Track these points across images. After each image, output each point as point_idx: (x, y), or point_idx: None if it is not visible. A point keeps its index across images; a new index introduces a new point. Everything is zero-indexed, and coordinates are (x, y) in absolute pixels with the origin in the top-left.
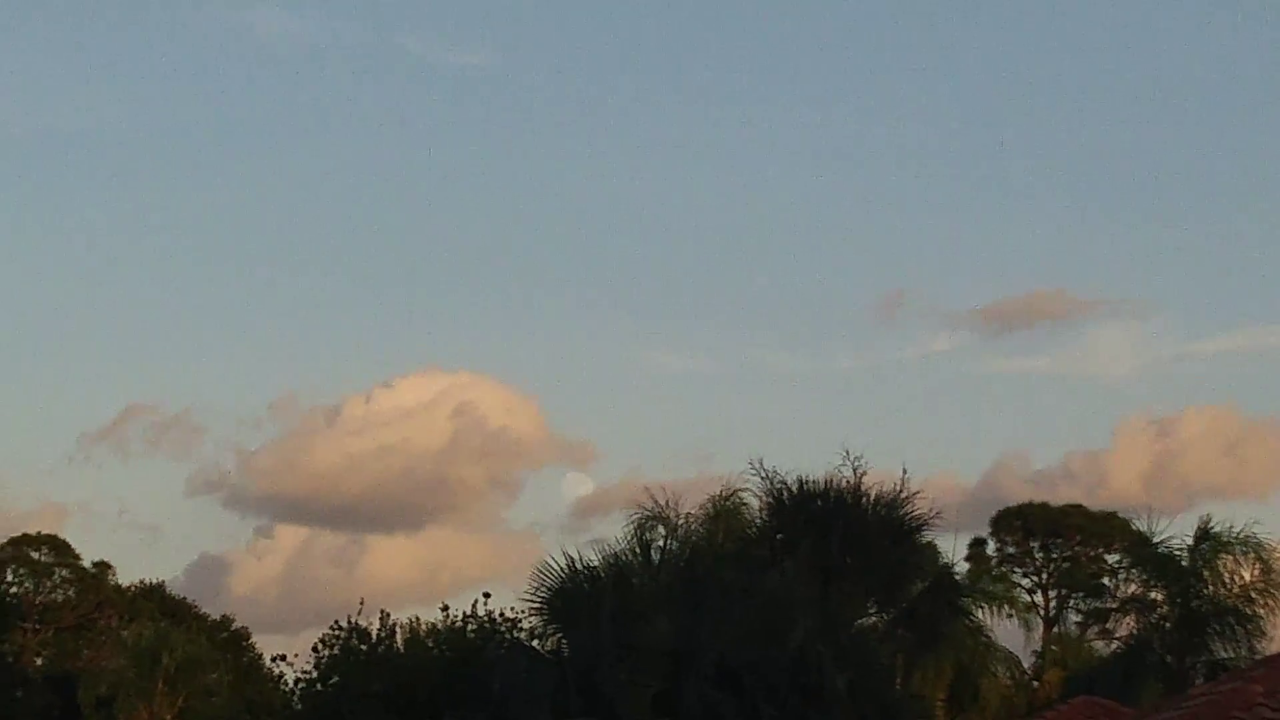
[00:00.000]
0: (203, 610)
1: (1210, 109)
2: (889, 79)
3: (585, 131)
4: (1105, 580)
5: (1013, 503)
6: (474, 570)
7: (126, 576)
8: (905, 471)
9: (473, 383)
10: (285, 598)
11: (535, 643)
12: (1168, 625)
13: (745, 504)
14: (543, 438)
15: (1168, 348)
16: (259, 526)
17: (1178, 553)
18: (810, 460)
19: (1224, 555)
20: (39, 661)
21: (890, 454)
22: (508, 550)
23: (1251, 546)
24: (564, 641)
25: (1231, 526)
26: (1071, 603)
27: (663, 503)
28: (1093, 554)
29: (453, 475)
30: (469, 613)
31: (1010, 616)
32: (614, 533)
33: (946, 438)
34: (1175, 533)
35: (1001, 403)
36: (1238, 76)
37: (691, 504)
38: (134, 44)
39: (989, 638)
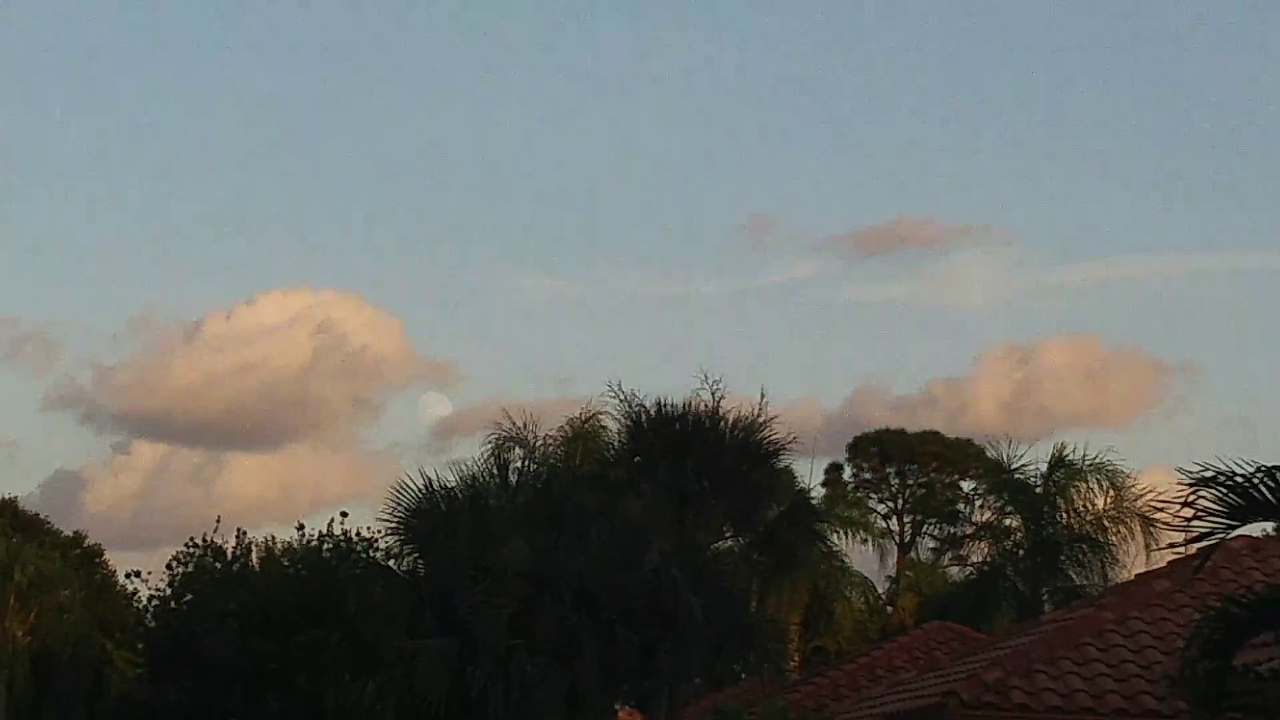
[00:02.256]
0: (55, 526)
1: (1075, 37)
2: (751, 1)
3: (451, 52)
4: (960, 507)
5: (875, 429)
6: (333, 490)
7: None
8: (764, 396)
9: (336, 301)
10: (142, 515)
11: (391, 563)
12: (1021, 552)
13: (604, 427)
14: (405, 358)
15: (1030, 276)
16: (116, 443)
17: (1032, 480)
18: (673, 385)
19: (1078, 483)
20: None
21: (753, 379)
22: (367, 470)
23: (1105, 474)
24: (420, 562)
25: (1085, 455)
26: (926, 529)
27: (521, 425)
28: (948, 481)
29: (314, 394)
30: (325, 532)
31: (865, 542)
32: (475, 454)
33: (809, 364)
34: (1034, 460)
35: (864, 329)
36: (1098, 5)
37: (551, 426)
38: None
39: (844, 562)
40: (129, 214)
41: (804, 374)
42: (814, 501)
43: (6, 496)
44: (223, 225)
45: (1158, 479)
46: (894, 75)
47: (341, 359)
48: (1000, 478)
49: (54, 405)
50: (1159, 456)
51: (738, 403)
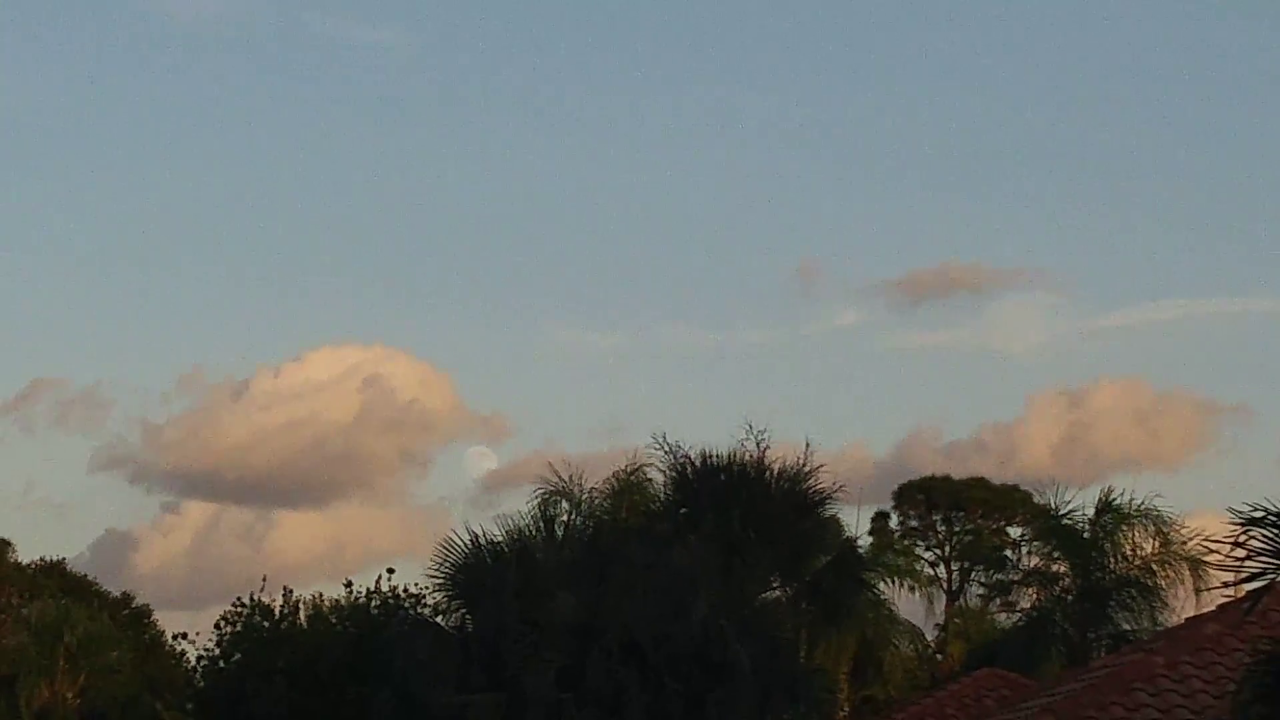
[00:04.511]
0: (104, 587)
1: (1122, 82)
2: (797, 50)
3: (495, 108)
4: (1008, 553)
5: (922, 476)
6: (383, 545)
7: (31, 553)
8: (809, 445)
9: (385, 356)
10: (192, 574)
11: (439, 619)
12: (1070, 598)
13: (650, 479)
14: (455, 412)
15: (1079, 319)
16: (165, 502)
17: (1079, 525)
18: (722, 435)
19: (1125, 528)
20: None
21: (803, 427)
22: (417, 525)
23: (1151, 519)
24: (468, 617)
25: (1133, 499)
26: (974, 576)
27: (568, 477)
28: (995, 527)
29: (362, 449)
30: (373, 589)
31: (913, 590)
32: (523, 508)
33: (859, 411)
34: (1083, 504)
35: (913, 375)
36: (1147, 53)
37: (598, 478)
38: (36, 22)
39: (892, 611)
40: (177, 273)
41: (854, 421)
42: (861, 550)
43: (55, 558)
44: (271, 283)
45: (1209, 521)
46: (941, 119)
47: (390, 414)
48: (1048, 523)
49: (103, 465)
50: (1210, 498)
51: (784, 452)
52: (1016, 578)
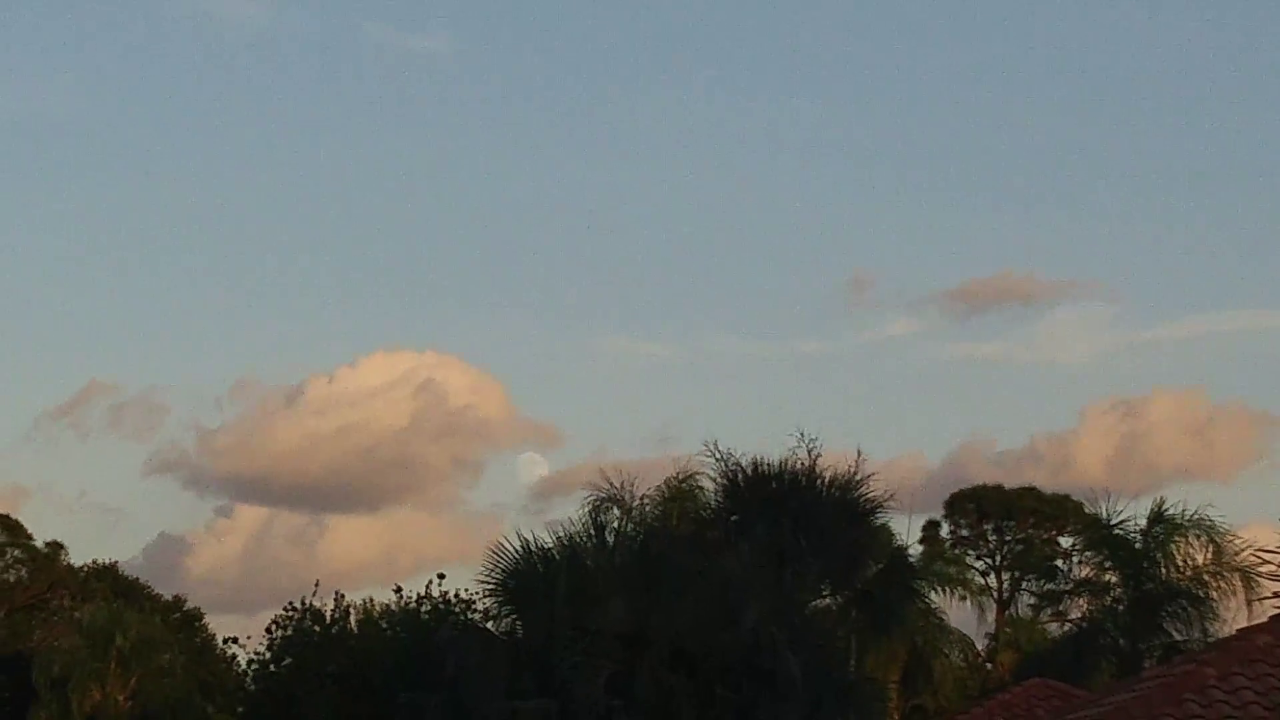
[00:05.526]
0: (155, 590)
1: (1173, 95)
2: (849, 63)
3: (547, 116)
4: (1059, 563)
5: (973, 485)
6: (434, 551)
7: (84, 556)
8: (860, 453)
9: (438, 363)
10: (245, 578)
11: (489, 624)
12: (1121, 608)
13: (700, 487)
14: (508, 419)
15: (1136, 330)
16: (218, 506)
17: (1131, 535)
18: (774, 443)
19: (1177, 538)
20: None
21: (854, 436)
22: (469, 531)
23: (1204, 529)
24: (518, 623)
25: (1185, 509)
26: (1025, 585)
27: (618, 484)
28: (1046, 536)
29: (415, 455)
30: (423, 594)
31: (964, 599)
32: (574, 515)
33: (913, 420)
34: (1135, 515)
35: (966, 385)
36: (1197, 64)
37: (649, 486)
38: (90, 29)
39: (943, 620)
40: (232, 279)
41: (907, 431)
42: (912, 559)
43: (108, 561)
44: (325, 289)
45: (1262, 533)
46: (996, 131)
47: (443, 420)
48: (1099, 533)
49: (157, 470)
50: (1264, 510)
51: (836, 461)
52: (1067, 587)
